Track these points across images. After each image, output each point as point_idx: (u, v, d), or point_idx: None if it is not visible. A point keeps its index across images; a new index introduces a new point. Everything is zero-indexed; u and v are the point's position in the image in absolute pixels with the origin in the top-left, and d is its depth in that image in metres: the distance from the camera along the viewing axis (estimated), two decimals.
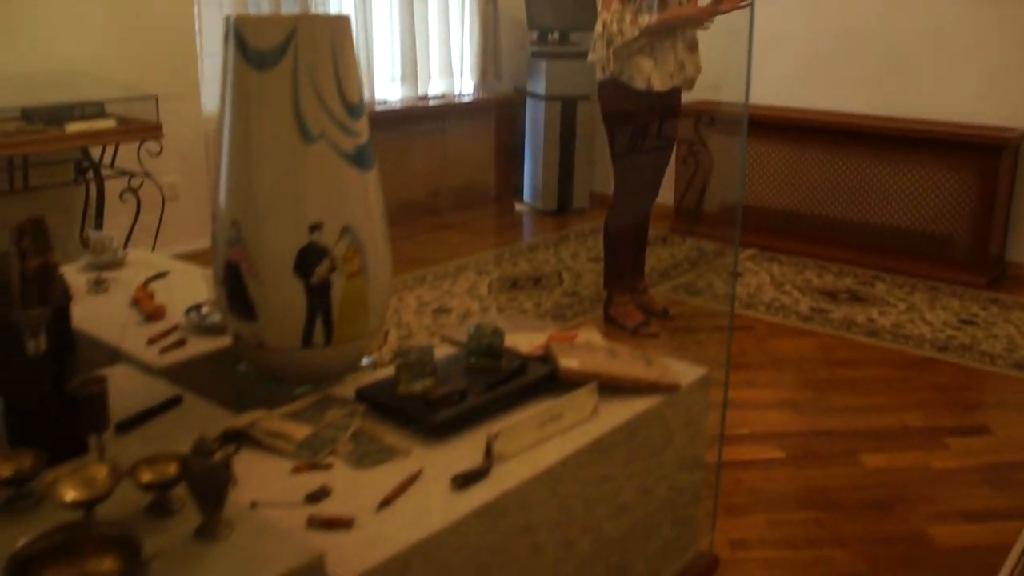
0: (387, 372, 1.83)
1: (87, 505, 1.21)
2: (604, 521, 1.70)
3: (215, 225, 1.82)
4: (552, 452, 1.58)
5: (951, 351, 4.14)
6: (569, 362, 1.76)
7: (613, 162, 4.06)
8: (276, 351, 1.79)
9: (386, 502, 1.41)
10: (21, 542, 1.09)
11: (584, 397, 1.69)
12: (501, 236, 5.88)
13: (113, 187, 4.68)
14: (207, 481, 1.21)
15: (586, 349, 1.86)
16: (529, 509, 1.52)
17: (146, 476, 1.28)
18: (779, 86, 5.30)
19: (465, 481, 1.46)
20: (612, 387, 1.76)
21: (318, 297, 1.75)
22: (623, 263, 4.20)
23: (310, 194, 1.72)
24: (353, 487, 1.46)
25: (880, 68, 5.21)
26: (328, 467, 1.52)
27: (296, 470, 1.51)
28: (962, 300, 4.68)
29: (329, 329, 1.78)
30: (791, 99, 5.35)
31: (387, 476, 1.49)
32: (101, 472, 1.24)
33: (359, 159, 1.77)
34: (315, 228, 1.72)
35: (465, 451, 1.57)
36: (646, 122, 4.00)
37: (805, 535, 2.96)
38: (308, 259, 1.73)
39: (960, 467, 3.30)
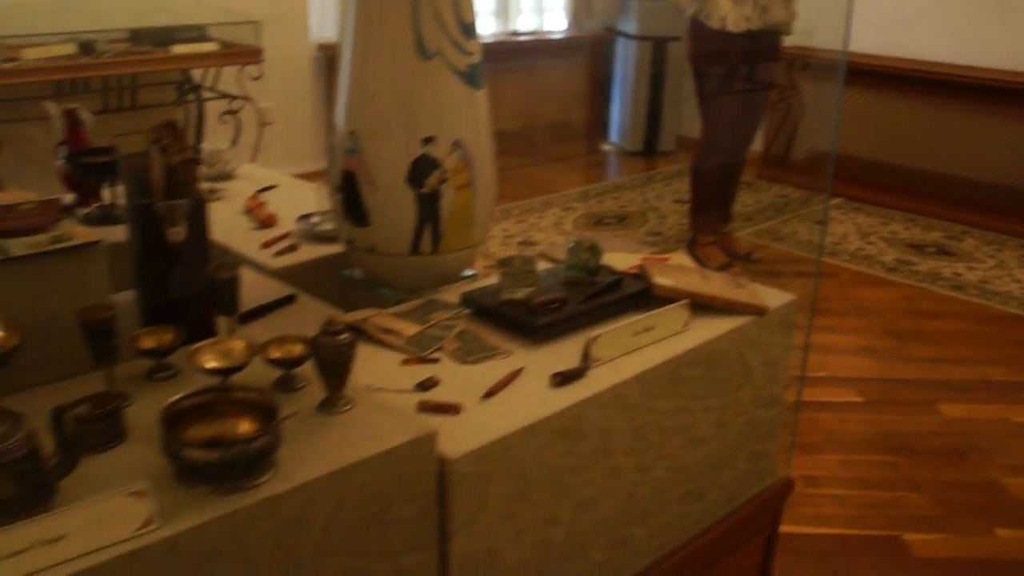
0: (487, 282, 1.93)
1: (225, 373, 1.33)
2: (679, 450, 1.78)
3: (332, 136, 1.92)
4: (644, 360, 1.66)
5: None
6: (664, 280, 1.84)
7: (699, 102, 4.08)
8: (386, 256, 1.89)
9: (490, 393, 1.51)
10: (173, 398, 1.21)
11: (677, 312, 1.76)
12: (587, 174, 5.93)
13: (213, 109, 4.84)
14: (334, 357, 1.32)
15: (679, 270, 1.93)
16: (608, 434, 1.61)
17: (275, 353, 1.40)
18: (873, 34, 5.22)
19: (564, 379, 1.56)
20: (704, 306, 1.83)
21: (428, 206, 1.84)
22: (708, 204, 4.23)
23: (425, 108, 1.81)
24: (459, 379, 1.57)
25: (980, 16, 5.09)
26: (435, 361, 1.63)
27: (406, 362, 1.62)
28: None
29: (437, 238, 1.88)
30: (884, 47, 5.27)
31: (490, 372, 1.59)
32: (238, 346, 1.36)
33: (471, 77, 1.85)
34: (428, 141, 1.81)
35: (563, 355, 1.66)
36: (732, 64, 4.00)
37: (879, 476, 3.02)
38: (420, 170, 1.82)
39: None
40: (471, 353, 1.65)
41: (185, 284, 1.55)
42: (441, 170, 1.83)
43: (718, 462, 1.92)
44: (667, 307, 1.77)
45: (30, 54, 4.20)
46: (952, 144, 5.06)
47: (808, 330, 2.50)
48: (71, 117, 2.46)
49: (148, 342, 1.45)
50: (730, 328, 1.82)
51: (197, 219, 1.55)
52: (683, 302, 1.80)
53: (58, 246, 1.40)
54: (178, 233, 1.53)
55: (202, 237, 1.57)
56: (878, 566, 2.63)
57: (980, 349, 3.83)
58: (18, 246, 1.39)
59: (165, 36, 4.59)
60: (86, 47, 4.18)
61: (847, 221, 5.10)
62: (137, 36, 4.48)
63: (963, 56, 5.16)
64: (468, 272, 2.06)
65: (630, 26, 5.96)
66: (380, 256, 1.90)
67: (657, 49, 5.91)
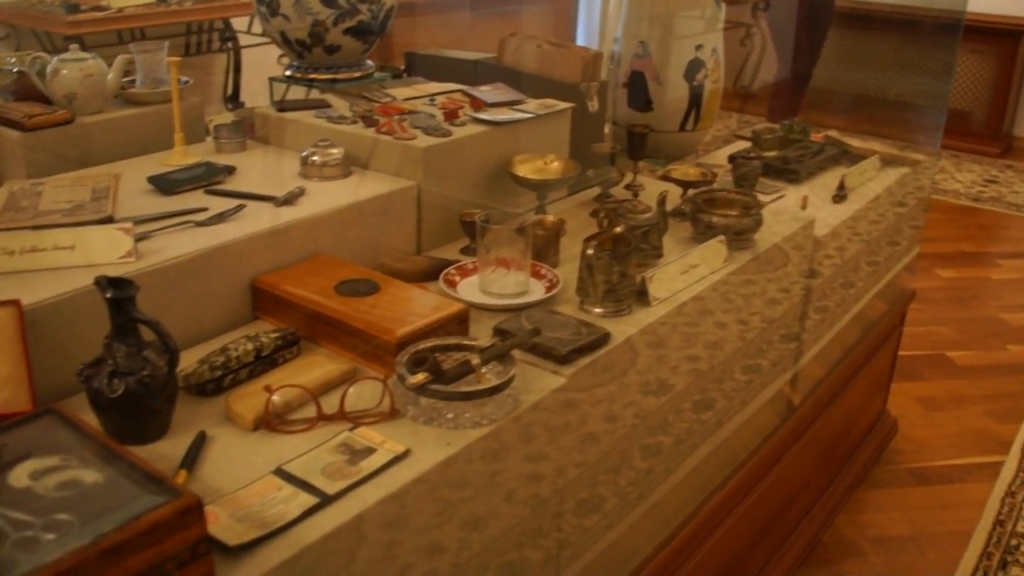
0: (726, 151, 2.69)
1: (686, 185, 2.06)
2: (879, 248, 2.62)
3: (616, 46, 2.64)
4: (872, 189, 2.48)
5: (984, 201, 5.14)
6: (855, 143, 2.65)
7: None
8: (660, 133, 2.63)
9: (803, 207, 2.29)
10: (693, 191, 1.94)
11: (875, 162, 2.59)
12: None
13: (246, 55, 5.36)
14: (752, 173, 2.07)
15: (848, 139, 2.75)
16: (868, 231, 2.42)
17: (680, 176, 2.14)
18: None
19: (838, 199, 2.36)
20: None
21: (695, 96, 2.59)
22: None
23: (698, 25, 2.55)
24: (772, 205, 2.34)
25: None
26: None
27: None
28: (982, 165, 5.68)
29: (697, 119, 2.63)
30: None
31: (786, 199, 2.37)
32: (693, 170, 2.09)
33: (718, 3, 2.60)
34: (699, 47, 2.56)
35: (818, 190, 2.45)
36: None
37: (912, 318, 3.92)
38: (693, 69, 2.57)
39: (1014, 278, 4.32)
40: (763, 190, 2.42)
41: (596, 136, 2.27)
42: (706, 68, 2.58)
43: (887, 266, 2.77)
44: (869, 159, 2.59)
45: (116, 3, 4.64)
46: (888, 73, 6.05)
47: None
48: None
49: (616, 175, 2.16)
50: (901, 173, 2.66)
51: (603, 94, 2.26)
52: (875, 156, 2.62)
53: (551, 110, 2.09)
54: (593, 105, 2.23)
55: (605, 104, 2.28)
56: (936, 372, 3.55)
57: (951, 231, 4.83)
58: (532, 108, 2.07)
59: None
60: None
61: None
62: None
63: None
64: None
65: None
66: (655, 134, 2.64)
67: None
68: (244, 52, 5.38)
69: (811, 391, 2.43)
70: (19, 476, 1.01)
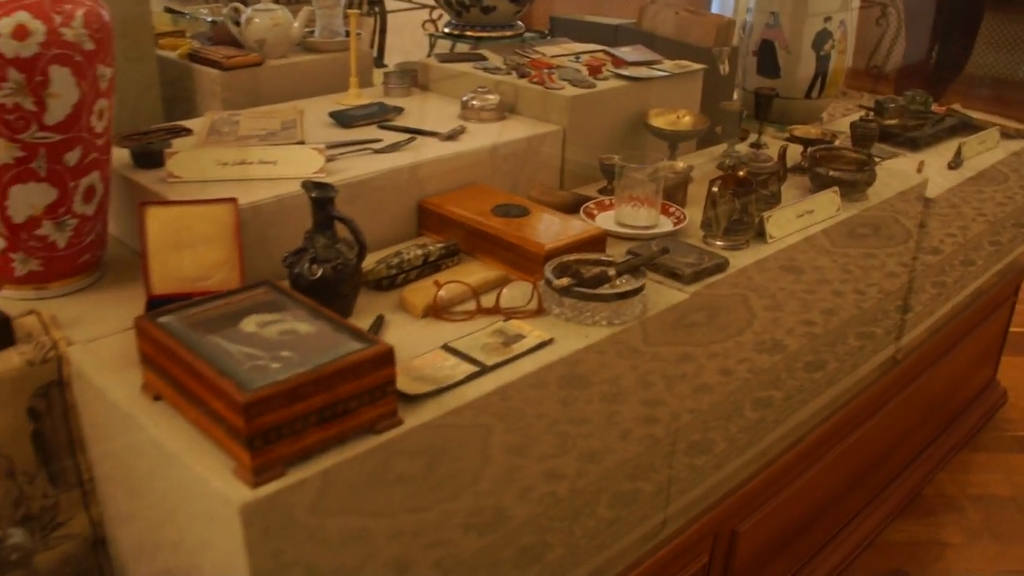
0: (845, 121, 2.83)
1: (807, 143, 2.23)
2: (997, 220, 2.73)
3: (748, 16, 2.80)
4: (985, 160, 2.59)
5: None
6: (976, 115, 2.76)
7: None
8: (787, 100, 2.79)
9: (919, 170, 2.43)
10: (814, 148, 2.11)
11: (994, 133, 2.70)
12: None
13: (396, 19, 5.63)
14: (870, 134, 2.23)
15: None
16: (976, 200, 2.54)
17: (801, 133, 2.30)
18: None
19: (954, 166, 2.48)
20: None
21: (821, 65, 2.74)
22: None
23: (834, 3, 2.69)
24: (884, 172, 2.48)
25: None
26: None
27: None
28: None
29: (822, 87, 2.78)
30: None
31: (901, 163, 2.50)
32: (814, 130, 2.26)
33: None
34: (827, 19, 2.70)
35: (931, 156, 2.57)
36: None
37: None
38: (820, 39, 2.71)
39: None
40: (880, 153, 2.56)
41: (725, 99, 2.45)
42: (833, 40, 2.73)
43: (1010, 247, 2.87)
44: (988, 129, 2.70)
45: None
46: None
47: None
48: None
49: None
50: (1022, 146, 2.76)
51: (733, 60, 2.44)
52: (995, 127, 2.73)
53: (685, 70, 2.28)
54: (724, 68, 2.42)
55: (733, 71, 2.46)
56: None
57: None
58: (668, 67, 2.27)
59: None
60: None
61: None
62: None
63: None
64: (824, 116, 2.96)
65: None
66: (782, 100, 2.79)
67: None
68: (389, 16, 5.71)
69: (916, 347, 2.57)
70: (248, 324, 1.28)
